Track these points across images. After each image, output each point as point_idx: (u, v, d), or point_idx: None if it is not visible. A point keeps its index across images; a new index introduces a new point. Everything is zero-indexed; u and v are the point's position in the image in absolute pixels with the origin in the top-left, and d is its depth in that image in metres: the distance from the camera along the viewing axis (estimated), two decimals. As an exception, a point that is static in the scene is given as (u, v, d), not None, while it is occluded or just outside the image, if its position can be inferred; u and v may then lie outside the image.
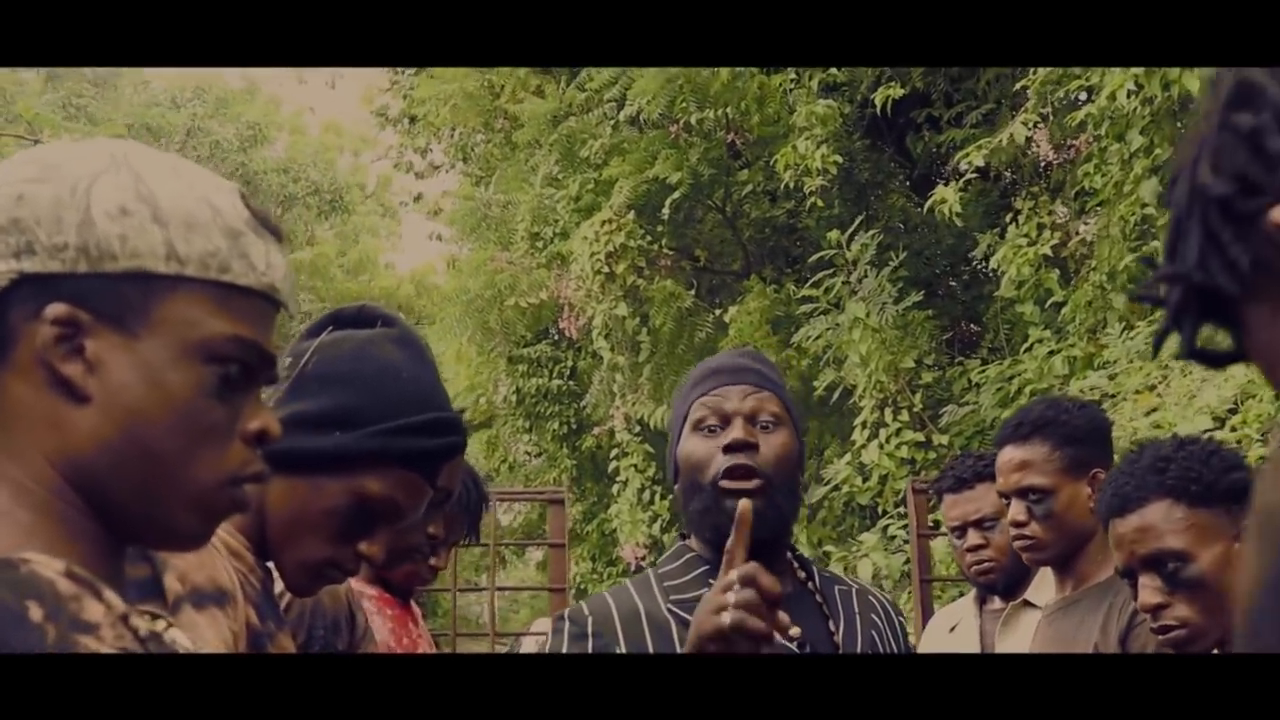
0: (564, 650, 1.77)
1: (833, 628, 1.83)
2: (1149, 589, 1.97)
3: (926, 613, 4.03)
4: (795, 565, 1.91)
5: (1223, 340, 0.72)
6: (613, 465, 9.56)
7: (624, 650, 1.74)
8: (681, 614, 1.77)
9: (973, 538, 3.20)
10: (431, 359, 1.57)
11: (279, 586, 1.54)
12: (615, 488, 9.50)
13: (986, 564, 3.19)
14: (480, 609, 13.30)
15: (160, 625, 0.97)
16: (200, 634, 1.34)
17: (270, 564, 1.51)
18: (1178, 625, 1.94)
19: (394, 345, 1.52)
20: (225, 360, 0.96)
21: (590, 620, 1.79)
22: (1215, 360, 0.72)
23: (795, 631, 1.76)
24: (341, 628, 1.88)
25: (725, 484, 1.79)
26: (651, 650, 1.75)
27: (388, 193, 22.97)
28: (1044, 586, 2.96)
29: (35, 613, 0.80)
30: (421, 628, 2.70)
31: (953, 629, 3.36)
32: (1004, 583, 3.18)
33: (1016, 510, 2.52)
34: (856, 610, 1.88)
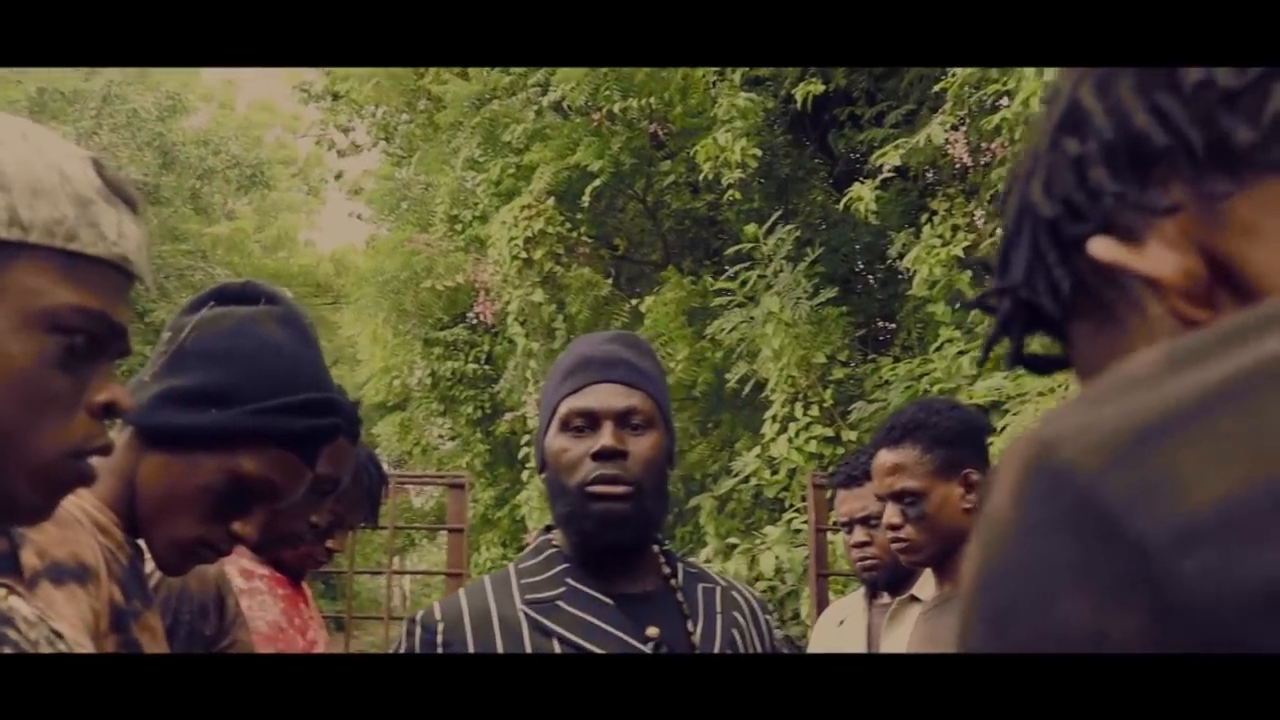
0: None
1: (690, 627, 1.81)
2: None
3: (822, 606, 4.07)
4: (661, 562, 1.90)
5: (1054, 346, 0.72)
6: (524, 451, 9.54)
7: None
8: (534, 615, 1.76)
9: (859, 534, 3.26)
10: (315, 339, 1.54)
11: (150, 566, 1.51)
12: (526, 474, 9.48)
13: (870, 560, 3.24)
14: (390, 592, 13.22)
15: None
16: (58, 610, 1.31)
17: (140, 541, 1.49)
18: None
19: (276, 323, 1.49)
20: (70, 331, 0.93)
21: (441, 627, 1.76)
22: (1041, 367, 0.73)
23: (653, 632, 1.77)
24: (209, 612, 1.84)
25: (593, 489, 1.77)
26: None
27: (315, 171, 22.70)
28: (930, 583, 3.01)
29: None
30: (313, 609, 2.67)
31: (842, 623, 3.41)
32: (888, 579, 3.24)
33: (891, 513, 2.56)
34: (718, 609, 1.87)
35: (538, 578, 1.82)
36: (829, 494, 4.14)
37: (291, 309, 1.55)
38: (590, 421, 1.81)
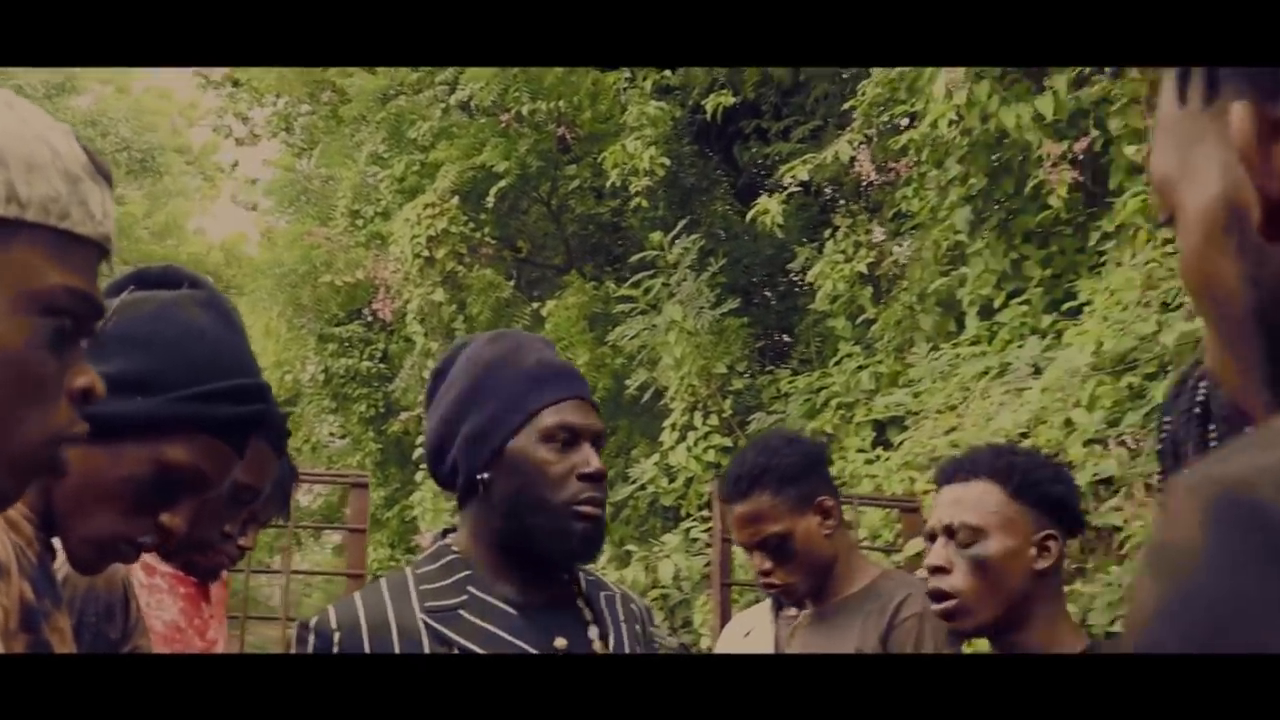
0: None
1: (593, 635, 1.81)
2: (937, 552, 2.10)
3: (725, 616, 4.07)
4: (566, 576, 1.89)
5: None
6: (418, 452, 9.43)
7: None
8: (434, 624, 1.72)
9: None
10: (240, 324, 1.49)
11: (58, 563, 1.45)
12: (419, 475, 9.37)
13: None
14: (272, 591, 12.96)
15: None
16: (-35, 607, 1.25)
17: (54, 539, 1.43)
18: (950, 594, 2.07)
19: (199, 308, 1.44)
20: (60, 313, 0.90)
21: (337, 635, 1.71)
22: None
23: (560, 643, 1.76)
24: (115, 614, 1.77)
25: (581, 509, 1.78)
26: None
27: (210, 159, 22.26)
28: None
29: None
30: (218, 608, 2.59)
31: (748, 634, 3.41)
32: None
33: (759, 561, 2.57)
34: (622, 618, 1.87)
35: (437, 584, 1.78)
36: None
37: (214, 294, 1.50)
38: (572, 437, 1.81)
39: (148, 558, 2.37)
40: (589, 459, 1.79)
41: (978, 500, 2.08)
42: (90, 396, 0.95)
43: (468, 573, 1.79)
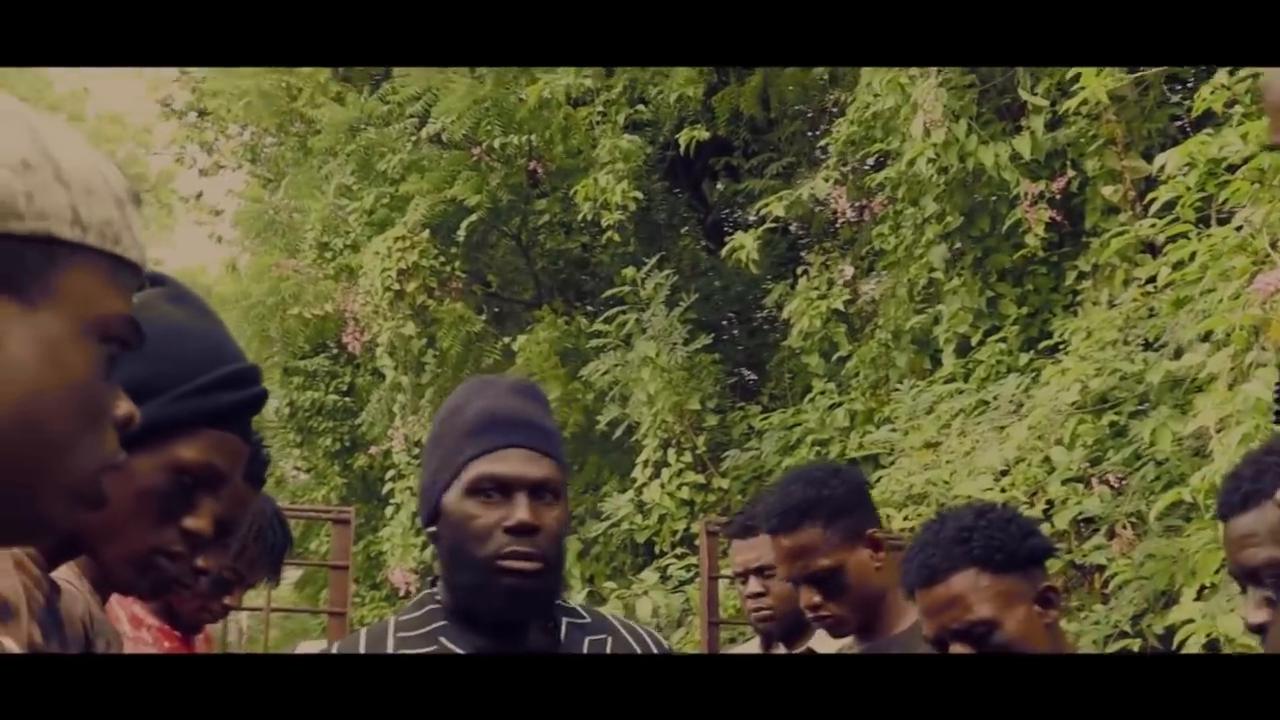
0: None
1: None
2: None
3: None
4: (552, 624, 1.85)
5: None
6: (388, 487, 9.34)
7: None
8: None
9: (753, 585, 3.23)
10: (212, 311, 1.48)
11: (65, 602, 1.40)
12: (388, 510, 9.27)
13: (765, 611, 3.21)
14: (229, 628, 12.78)
15: None
16: (-24, 649, 1.20)
17: (53, 576, 1.38)
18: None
19: (171, 304, 1.43)
20: (114, 340, 0.88)
21: None
22: None
23: None
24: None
25: (504, 564, 1.72)
26: None
27: (168, 187, 22.10)
28: (829, 636, 2.99)
29: None
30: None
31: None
32: (783, 631, 3.22)
33: (809, 595, 2.49)
34: None
35: (413, 633, 1.79)
36: (721, 543, 4.12)
37: (179, 288, 1.48)
38: (501, 489, 1.75)
39: (137, 609, 2.34)
40: (514, 511, 1.73)
41: (971, 592, 2.04)
42: (129, 425, 0.94)
43: (443, 623, 1.79)
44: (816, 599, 2.49)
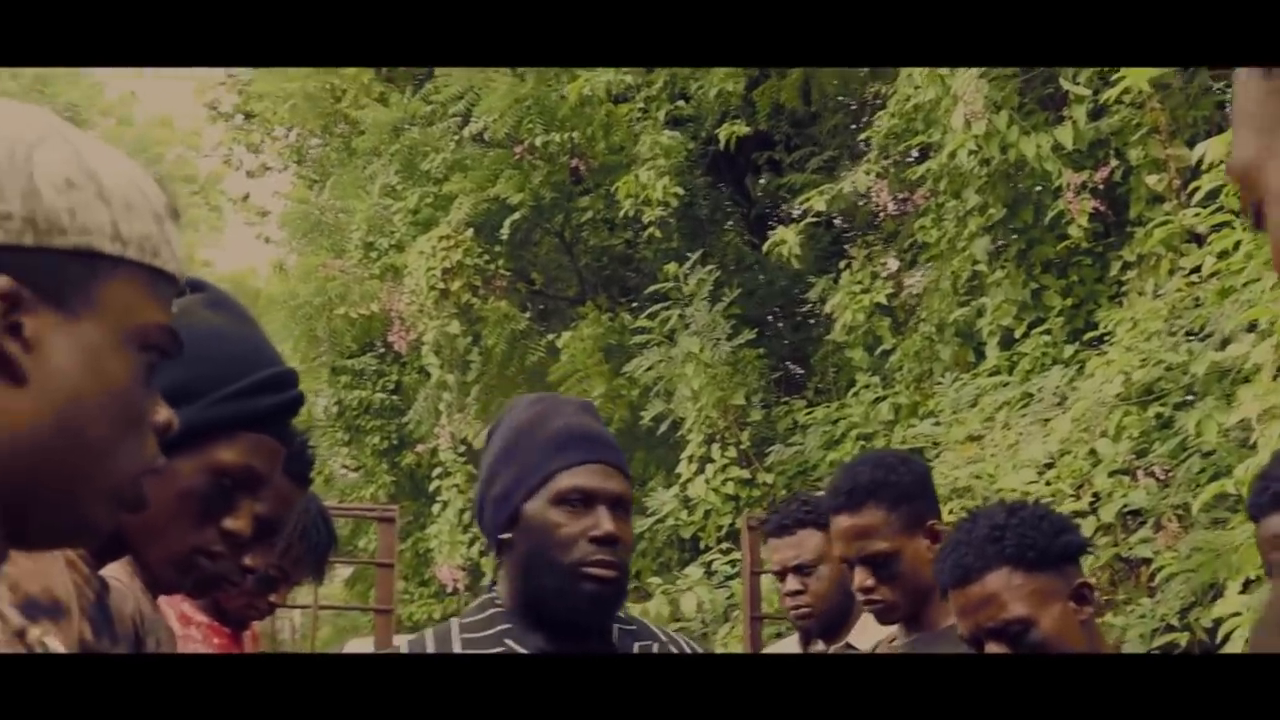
0: None
1: None
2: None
3: (755, 650, 4.04)
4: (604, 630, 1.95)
5: None
6: (434, 484, 9.41)
7: None
8: None
9: (791, 582, 3.24)
10: (251, 316, 1.53)
11: (115, 600, 1.44)
12: (435, 507, 9.34)
13: (804, 609, 3.23)
14: (281, 624, 12.93)
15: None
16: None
17: (103, 573, 1.42)
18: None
19: (209, 310, 1.47)
20: (153, 349, 0.92)
21: None
22: None
23: None
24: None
25: (589, 570, 1.84)
26: None
27: (217, 189, 22.34)
28: (867, 630, 3.00)
29: None
30: (250, 659, 2.59)
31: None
32: (821, 627, 3.23)
33: (862, 577, 2.49)
34: None
35: (479, 634, 1.89)
36: (763, 538, 4.13)
37: (219, 293, 1.52)
38: (586, 501, 1.87)
39: (185, 607, 2.39)
40: (599, 522, 1.85)
41: (1005, 590, 2.04)
42: (168, 431, 0.97)
43: (508, 625, 1.89)
44: (870, 582, 2.48)
